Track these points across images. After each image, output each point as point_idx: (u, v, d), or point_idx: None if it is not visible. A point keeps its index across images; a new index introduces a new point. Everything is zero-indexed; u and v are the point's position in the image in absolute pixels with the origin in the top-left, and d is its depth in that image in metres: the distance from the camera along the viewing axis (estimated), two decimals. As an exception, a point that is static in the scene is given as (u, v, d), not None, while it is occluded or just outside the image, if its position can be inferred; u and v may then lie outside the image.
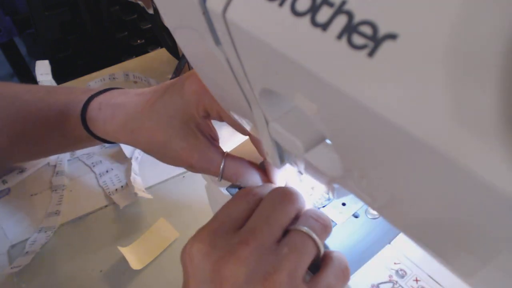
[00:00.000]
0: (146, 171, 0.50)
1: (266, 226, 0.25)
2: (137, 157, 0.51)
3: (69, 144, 0.43)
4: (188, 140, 0.32)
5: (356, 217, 0.31)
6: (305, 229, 0.25)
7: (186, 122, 0.32)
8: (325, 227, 0.26)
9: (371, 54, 0.12)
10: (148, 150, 0.35)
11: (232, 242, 0.24)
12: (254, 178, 0.32)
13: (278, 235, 0.25)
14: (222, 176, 0.32)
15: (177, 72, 0.61)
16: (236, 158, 0.33)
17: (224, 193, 0.33)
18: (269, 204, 0.27)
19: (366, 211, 0.31)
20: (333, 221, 0.31)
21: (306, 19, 0.13)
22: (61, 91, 0.41)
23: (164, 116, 0.32)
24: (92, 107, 0.37)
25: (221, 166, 0.32)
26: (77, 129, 0.38)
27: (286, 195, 0.27)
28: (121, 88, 0.39)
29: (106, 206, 0.48)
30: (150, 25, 0.95)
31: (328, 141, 0.19)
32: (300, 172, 0.29)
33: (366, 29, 0.12)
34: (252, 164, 0.33)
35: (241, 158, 0.33)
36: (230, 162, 0.32)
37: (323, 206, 0.32)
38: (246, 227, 0.25)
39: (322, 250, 0.25)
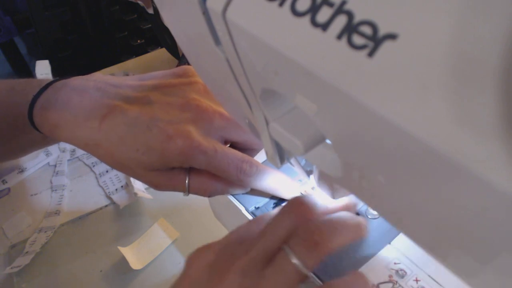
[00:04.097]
0: (146, 171, 0.50)
1: (261, 241, 0.24)
2: (137, 157, 0.51)
3: (31, 145, 0.40)
4: (150, 171, 0.31)
5: (356, 217, 0.31)
6: (285, 249, 0.24)
7: (155, 164, 0.30)
8: (314, 246, 0.23)
9: (371, 54, 0.12)
10: (106, 163, 0.32)
11: (233, 255, 0.24)
12: (220, 189, 0.32)
13: (274, 249, 0.24)
14: (189, 191, 0.32)
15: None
16: (201, 172, 0.32)
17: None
18: (274, 217, 0.26)
19: (366, 211, 0.31)
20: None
21: (306, 19, 0.13)
22: (16, 92, 0.36)
23: (127, 145, 0.30)
24: (35, 113, 0.33)
25: (186, 183, 0.31)
26: (32, 132, 0.35)
27: (291, 205, 0.26)
28: (66, 79, 0.34)
29: (106, 206, 0.48)
30: (150, 25, 0.95)
31: (328, 141, 0.19)
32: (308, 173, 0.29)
33: (366, 29, 0.12)
34: (215, 176, 0.32)
35: (204, 171, 0.32)
36: (195, 178, 0.31)
37: (323, 206, 0.32)
38: (248, 240, 0.25)
39: (305, 272, 0.23)
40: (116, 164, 0.31)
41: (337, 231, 0.25)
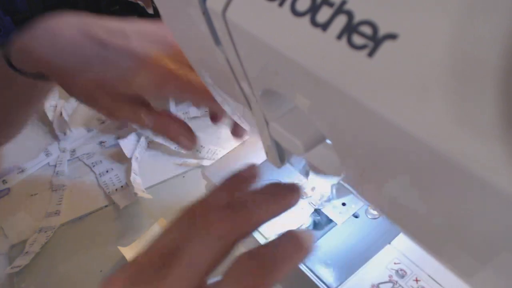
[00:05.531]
0: (146, 171, 0.50)
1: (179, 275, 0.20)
2: (137, 157, 0.51)
3: (17, 100, 0.39)
4: (116, 102, 0.32)
5: (356, 217, 0.31)
6: None
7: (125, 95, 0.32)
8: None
9: (371, 54, 0.12)
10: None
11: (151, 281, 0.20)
12: (177, 131, 0.32)
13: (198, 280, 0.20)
14: (152, 130, 0.32)
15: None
16: (161, 113, 0.32)
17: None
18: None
19: (366, 211, 0.31)
20: (333, 221, 0.31)
21: (306, 19, 0.13)
22: None
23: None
24: (14, 50, 0.34)
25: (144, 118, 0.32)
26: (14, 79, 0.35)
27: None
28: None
29: (106, 206, 0.48)
30: (150, 25, 0.95)
31: (328, 141, 0.19)
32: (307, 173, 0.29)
33: (366, 29, 0.12)
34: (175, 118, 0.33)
35: (165, 112, 0.33)
36: (154, 114, 0.32)
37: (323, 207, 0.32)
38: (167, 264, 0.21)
39: None
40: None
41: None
